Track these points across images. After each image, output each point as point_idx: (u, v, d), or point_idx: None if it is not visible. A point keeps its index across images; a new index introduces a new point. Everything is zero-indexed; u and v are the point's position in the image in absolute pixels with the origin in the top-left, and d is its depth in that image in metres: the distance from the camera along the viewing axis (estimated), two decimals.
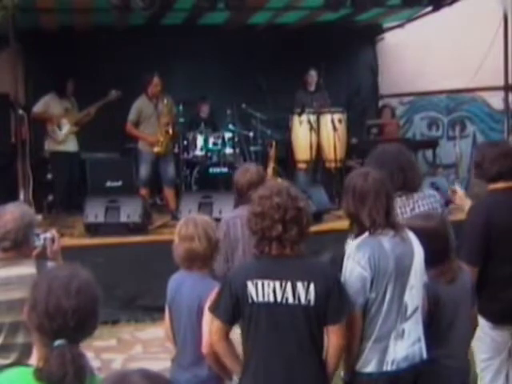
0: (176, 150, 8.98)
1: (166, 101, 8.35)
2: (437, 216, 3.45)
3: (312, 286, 2.79)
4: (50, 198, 8.89)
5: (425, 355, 3.08)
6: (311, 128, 8.69)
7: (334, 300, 2.82)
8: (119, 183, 8.77)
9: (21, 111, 8.38)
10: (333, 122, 8.69)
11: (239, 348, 2.99)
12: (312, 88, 9.52)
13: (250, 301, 2.84)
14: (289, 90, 9.49)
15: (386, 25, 10.97)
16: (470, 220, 3.96)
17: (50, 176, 9.02)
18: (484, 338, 3.92)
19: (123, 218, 7.05)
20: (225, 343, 2.96)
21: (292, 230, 2.83)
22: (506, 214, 3.90)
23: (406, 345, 3.02)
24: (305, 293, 2.80)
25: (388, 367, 2.99)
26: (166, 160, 8.45)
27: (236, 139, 9.15)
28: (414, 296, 3.04)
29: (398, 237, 3.03)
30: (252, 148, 9.48)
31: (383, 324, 2.99)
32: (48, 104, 8.55)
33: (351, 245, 3.08)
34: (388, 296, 2.98)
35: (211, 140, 8.98)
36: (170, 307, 3.47)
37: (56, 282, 2.03)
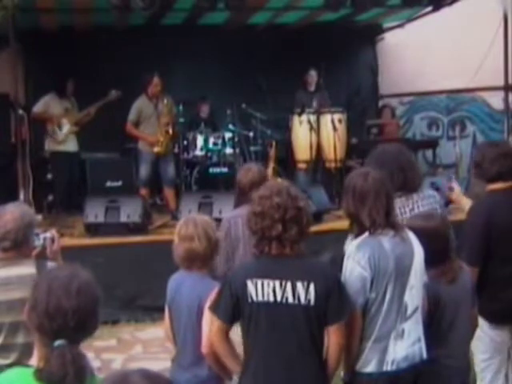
0: (176, 150, 8.98)
1: (166, 101, 8.35)
2: (437, 216, 3.45)
3: (312, 286, 2.79)
4: (50, 198, 8.89)
5: (425, 355, 3.08)
6: (311, 128, 8.69)
7: (333, 300, 2.82)
8: (119, 183, 8.77)
9: (21, 111, 8.38)
10: (333, 121, 8.69)
11: (239, 348, 2.99)
12: (312, 88, 9.52)
13: (249, 300, 2.84)
14: (289, 90, 9.49)
15: (386, 25, 10.97)
16: (470, 220, 3.96)
17: (49, 176, 9.02)
18: (483, 338, 3.92)
19: (123, 218, 7.05)
20: (225, 343, 2.96)
21: (292, 229, 2.83)
22: (507, 213, 3.90)
23: (405, 345, 3.02)
24: (304, 293, 2.80)
25: (388, 367, 2.99)
26: (166, 160, 8.45)
27: (236, 139, 9.15)
28: (413, 296, 3.04)
29: (398, 237, 3.03)
30: (252, 148, 9.48)
31: (383, 324, 2.99)
32: (48, 104, 8.55)
33: (351, 245, 3.08)
34: (388, 296, 2.98)
35: (211, 140, 8.98)
36: (169, 307, 3.47)
37: (56, 283, 2.03)
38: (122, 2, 7.41)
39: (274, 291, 2.82)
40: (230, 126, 9.27)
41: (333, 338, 2.89)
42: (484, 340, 3.94)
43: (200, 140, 8.98)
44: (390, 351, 2.99)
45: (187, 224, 3.41)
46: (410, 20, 10.20)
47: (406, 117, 10.96)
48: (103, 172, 8.90)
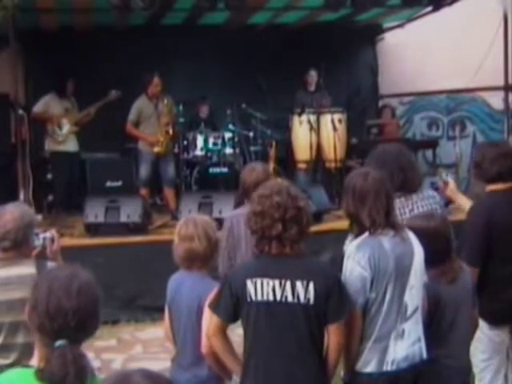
0: (176, 150, 8.98)
1: (166, 101, 8.35)
2: (437, 216, 3.45)
3: (311, 285, 2.79)
4: (50, 198, 8.89)
5: (425, 355, 3.08)
6: (311, 128, 8.69)
7: (333, 299, 2.82)
8: (119, 183, 8.77)
9: (21, 111, 8.38)
10: (333, 121, 8.69)
11: (239, 349, 2.99)
12: (312, 88, 9.52)
13: (248, 300, 2.84)
14: (289, 90, 9.49)
15: (386, 25, 10.97)
16: (470, 220, 3.96)
17: (50, 176, 9.02)
18: (482, 339, 3.92)
19: (123, 218, 7.06)
20: (222, 340, 2.96)
21: (292, 229, 2.83)
22: (507, 213, 3.90)
23: (405, 345, 3.02)
24: (304, 292, 2.80)
25: (388, 367, 2.99)
26: (166, 160, 8.45)
27: (236, 139, 9.15)
28: (413, 296, 3.04)
29: (398, 237, 3.04)
30: (252, 148, 9.48)
31: (383, 324, 2.99)
32: (48, 104, 8.55)
33: (351, 245, 3.08)
34: (388, 296, 2.98)
35: (211, 140, 8.98)
36: (169, 307, 3.47)
37: (57, 283, 2.03)
38: (122, 1, 7.41)
39: (274, 290, 2.82)
40: (230, 126, 9.27)
41: (332, 337, 2.89)
42: (483, 340, 3.93)
43: (200, 140, 8.98)
44: (390, 351, 2.99)
45: (187, 224, 3.41)
46: (410, 20, 10.20)
47: (406, 117, 10.96)
48: (103, 172, 8.91)
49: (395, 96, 10.92)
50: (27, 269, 3.11)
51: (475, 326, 3.54)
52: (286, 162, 9.39)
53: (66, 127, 8.55)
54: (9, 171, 8.27)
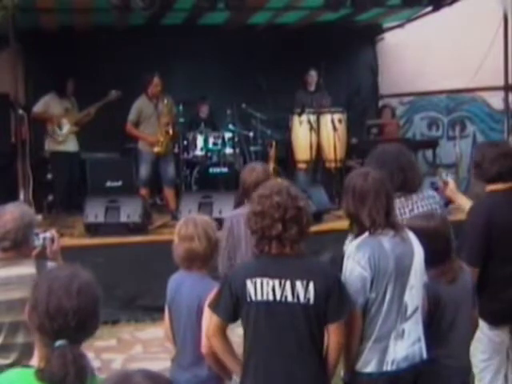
0: (176, 150, 8.98)
1: (166, 101, 8.35)
2: (437, 216, 3.45)
3: (311, 285, 2.79)
4: (50, 198, 8.89)
5: (425, 355, 3.08)
6: (311, 128, 8.69)
7: (333, 299, 2.82)
8: (119, 183, 8.77)
9: (21, 111, 8.38)
10: (333, 121, 8.69)
11: (239, 349, 2.99)
12: (312, 88, 9.52)
13: (248, 299, 2.84)
14: (289, 90, 9.49)
15: (386, 25, 10.97)
16: (470, 220, 3.96)
17: (50, 176, 9.02)
18: (482, 339, 3.92)
19: (123, 218, 7.06)
20: (220, 338, 2.97)
21: (292, 229, 2.83)
22: (507, 213, 3.90)
23: (405, 345, 3.02)
24: (304, 291, 2.80)
25: (388, 367, 2.99)
26: (166, 160, 8.45)
27: (236, 139, 9.15)
28: (413, 296, 3.04)
29: (398, 237, 3.04)
30: (252, 148, 9.48)
31: (383, 324, 2.99)
32: (48, 104, 8.55)
33: (351, 245, 3.08)
34: (388, 296, 2.98)
35: (211, 140, 8.98)
36: (169, 307, 3.47)
37: (57, 283, 2.03)
38: (122, 1, 7.41)
39: (274, 290, 2.82)
40: (230, 126, 9.27)
41: (333, 336, 2.89)
42: (483, 340, 3.93)
43: (200, 140, 8.98)
44: (390, 351, 2.99)
45: (187, 224, 3.41)
46: (410, 20, 10.20)
47: (406, 117, 10.96)
48: (103, 172, 8.90)
49: (395, 96, 10.92)
50: (27, 269, 3.11)
51: (475, 326, 3.54)
52: (286, 162, 9.39)
53: (66, 127, 8.55)
54: (9, 171, 8.27)
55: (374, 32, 11.09)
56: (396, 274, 2.98)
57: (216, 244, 3.43)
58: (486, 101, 10.11)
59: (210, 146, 8.96)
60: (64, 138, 8.55)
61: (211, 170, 8.86)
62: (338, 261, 3.20)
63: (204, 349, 3.10)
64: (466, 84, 9.77)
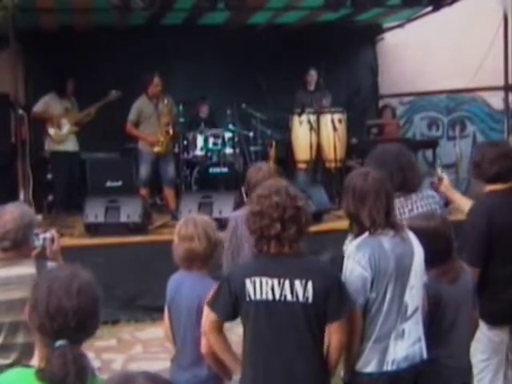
0: (176, 150, 8.99)
1: (166, 101, 8.35)
2: (437, 216, 3.45)
3: (310, 284, 2.80)
4: (50, 198, 8.89)
5: (425, 355, 3.08)
6: (311, 128, 8.69)
7: (333, 298, 2.83)
8: (119, 183, 8.77)
9: (21, 111, 8.38)
10: (333, 121, 8.69)
11: (239, 349, 2.99)
12: (312, 88, 9.53)
13: (248, 299, 2.84)
14: (289, 90, 9.50)
15: (386, 25, 10.97)
16: (470, 221, 3.96)
17: (50, 176, 9.02)
18: (482, 339, 3.91)
19: (123, 218, 7.06)
20: (217, 335, 2.97)
21: (291, 228, 2.84)
22: (507, 213, 3.90)
23: (406, 345, 3.02)
24: (303, 290, 2.80)
25: (388, 367, 2.99)
26: (166, 160, 8.46)
27: (236, 139, 9.15)
28: (414, 296, 3.04)
29: (398, 237, 3.04)
30: (252, 148, 9.48)
31: (383, 324, 2.99)
32: (48, 104, 8.55)
33: (351, 245, 3.08)
34: (388, 296, 2.98)
35: (211, 140, 8.98)
36: (169, 307, 3.47)
37: (57, 283, 2.03)
38: (122, 1, 7.41)
39: (273, 289, 2.82)
40: (230, 126, 9.27)
41: (334, 335, 2.89)
42: (482, 341, 3.93)
43: (200, 140, 8.98)
44: (391, 351, 2.99)
45: (187, 224, 3.41)
46: (410, 20, 10.20)
47: (406, 117, 10.96)
48: (103, 172, 8.91)
49: (395, 96, 10.92)
50: (27, 269, 3.11)
51: (476, 327, 3.54)
52: (286, 162, 9.38)
53: (66, 127, 8.55)
54: (9, 171, 8.27)
55: (374, 32, 11.09)
56: (396, 274, 2.98)
57: (216, 244, 3.43)
58: (485, 101, 10.11)
59: (210, 145, 8.96)
60: (64, 138, 8.54)
61: (211, 170, 8.86)
62: (338, 261, 3.20)
63: (203, 348, 3.10)
64: (466, 84, 9.77)
